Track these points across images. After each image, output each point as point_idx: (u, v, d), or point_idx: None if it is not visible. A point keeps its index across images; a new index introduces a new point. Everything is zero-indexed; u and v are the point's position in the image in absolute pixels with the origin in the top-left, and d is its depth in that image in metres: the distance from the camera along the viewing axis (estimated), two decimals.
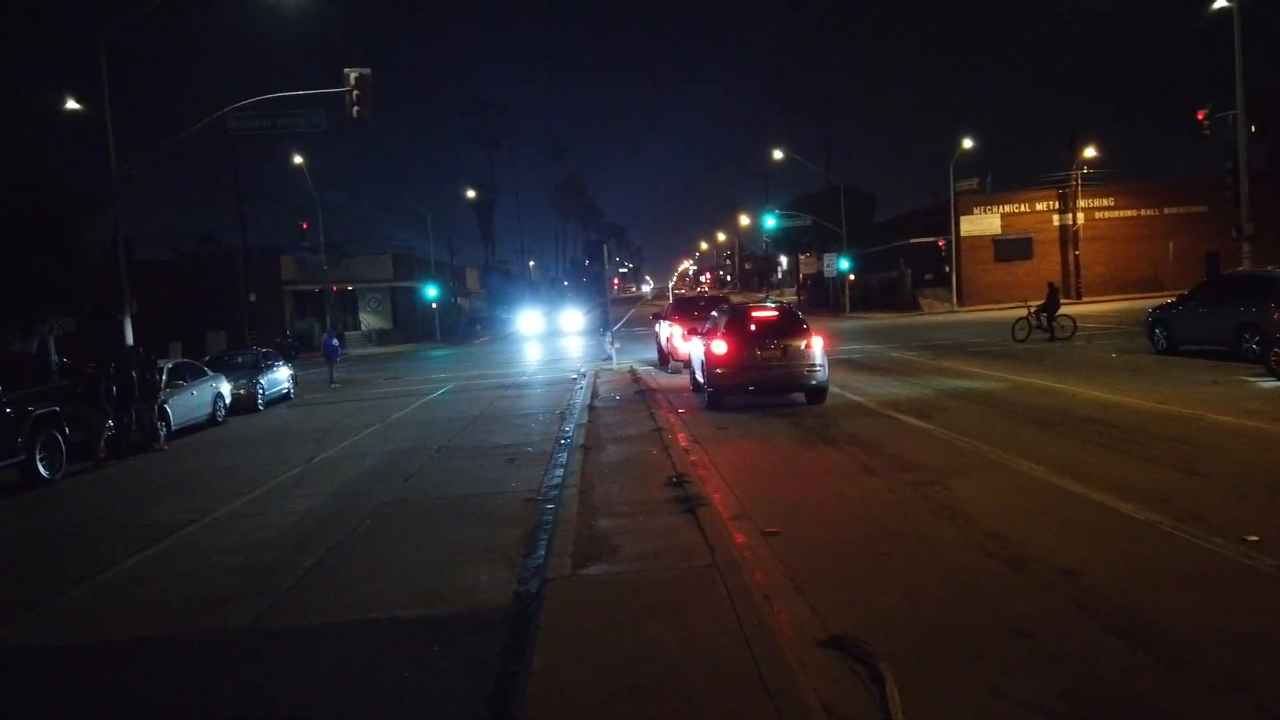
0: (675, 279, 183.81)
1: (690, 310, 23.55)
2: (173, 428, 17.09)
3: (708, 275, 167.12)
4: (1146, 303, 32.59)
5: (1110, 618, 5.13)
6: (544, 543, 7.66)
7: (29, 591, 7.40)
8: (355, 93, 21.12)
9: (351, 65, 21.40)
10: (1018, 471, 9.06)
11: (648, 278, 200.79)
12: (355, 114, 21.24)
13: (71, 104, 24.13)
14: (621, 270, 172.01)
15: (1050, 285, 26.41)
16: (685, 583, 5.86)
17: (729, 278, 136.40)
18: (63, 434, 13.80)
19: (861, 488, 8.89)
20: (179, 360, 20.45)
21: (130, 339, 20.61)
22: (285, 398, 23.58)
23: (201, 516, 9.88)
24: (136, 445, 15.67)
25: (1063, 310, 25.74)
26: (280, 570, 7.46)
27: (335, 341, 29.88)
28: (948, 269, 51.41)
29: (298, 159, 46.28)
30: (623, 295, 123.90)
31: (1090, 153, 50.17)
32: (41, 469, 13.13)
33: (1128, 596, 5.44)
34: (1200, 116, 30.25)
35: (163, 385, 16.92)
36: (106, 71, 20.21)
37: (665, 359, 23.97)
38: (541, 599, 5.84)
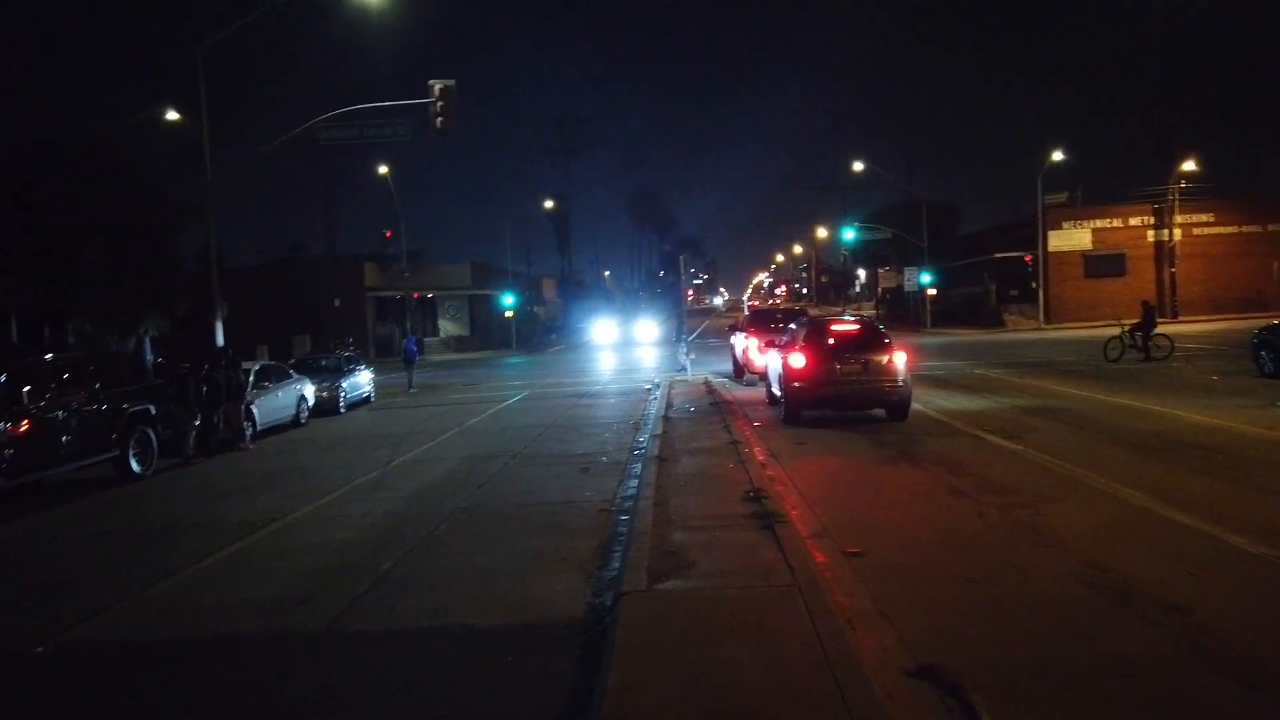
0: (749, 291, 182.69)
1: (767, 322, 23.25)
2: (258, 428, 17.53)
3: (782, 288, 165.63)
4: (1247, 324, 31.08)
5: (1229, 661, 4.76)
6: (618, 555, 7.55)
7: (119, 584, 7.59)
8: (440, 104, 21.43)
9: (433, 76, 21.75)
10: (1116, 498, 8.60)
11: (721, 290, 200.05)
12: (439, 125, 21.55)
13: (171, 114, 25.11)
14: (696, 282, 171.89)
15: (1145, 303, 25.34)
16: (765, 602, 5.67)
17: (804, 290, 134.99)
18: (155, 431, 14.26)
19: (948, 509, 8.55)
20: (265, 363, 21.01)
21: (221, 342, 21.26)
22: (366, 401, 24.03)
23: (283, 516, 10.05)
24: (223, 444, 16.11)
25: (1159, 329, 24.66)
26: (357, 573, 7.51)
27: (414, 347, 30.34)
28: (1034, 285, 49.87)
29: (383, 169, 47.41)
30: (695, 307, 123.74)
31: (1189, 166, 48.16)
32: (134, 464, 13.57)
33: (1247, 639, 5.05)
34: None
35: (249, 387, 17.39)
36: (204, 83, 20.96)
37: (741, 371, 23.72)
38: (616, 613, 5.71)
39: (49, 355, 13.88)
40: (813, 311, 34.86)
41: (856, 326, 15.69)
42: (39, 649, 6.14)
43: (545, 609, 6.33)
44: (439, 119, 21.17)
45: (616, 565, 7.23)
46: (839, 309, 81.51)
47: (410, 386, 28.15)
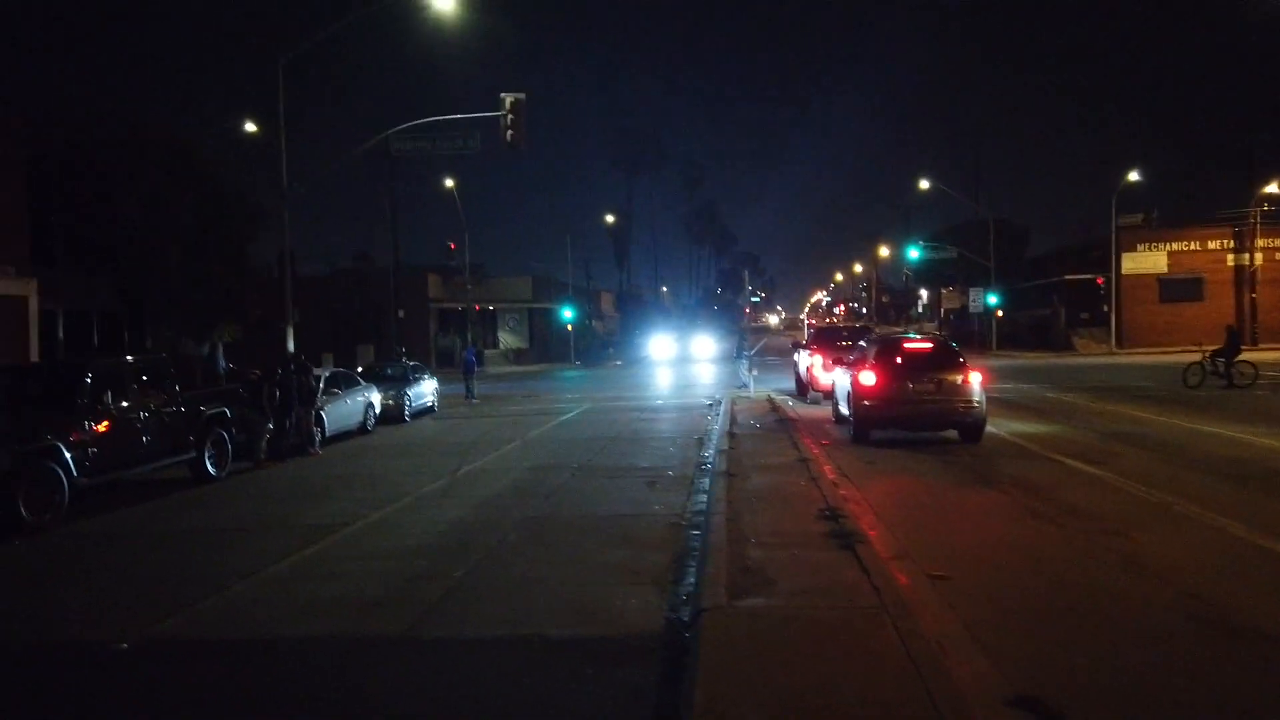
0: (807, 310, 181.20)
1: (832, 340, 22.96)
2: (327, 434, 17.80)
3: (841, 307, 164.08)
4: None
5: None
6: (692, 569, 7.43)
7: (199, 583, 7.68)
8: (510, 117, 21.69)
9: (499, 89, 22.08)
10: (1212, 527, 8.23)
11: (779, 308, 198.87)
12: (510, 138, 21.80)
13: (250, 126, 25.80)
14: (754, 299, 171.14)
15: (1230, 328, 24.44)
16: (851, 624, 5.50)
17: (863, 310, 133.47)
18: (229, 434, 14.54)
19: (1033, 534, 8.26)
20: (335, 370, 21.35)
21: (292, 348, 21.69)
22: (429, 410, 24.28)
23: (354, 521, 10.13)
24: (293, 449, 16.37)
25: (1242, 356, 23.75)
26: (431, 579, 7.50)
27: (473, 357, 30.48)
28: (1106, 308, 48.55)
29: (449, 181, 48.12)
30: (751, 324, 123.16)
31: (1271, 188, 46.50)
32: (210, 466, 13.85)
33: None
34: None
35: (319, 393, 17.67)
36: (284, 94, 21.47)
37: (804, 389, 23.43)
38: (698, 628, 5.59)
39: (130, 357, 14.26)
40: (877, 331, 34.32)
41: (930, 345, 15.37)
42: (124, 644, 6.22)
43: (622, 622, 6.23)
44: (509, 131, 21.41)
45: (691, 580, 7.12)
46: (900, 329, 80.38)
47: (470, 396, 28.34)
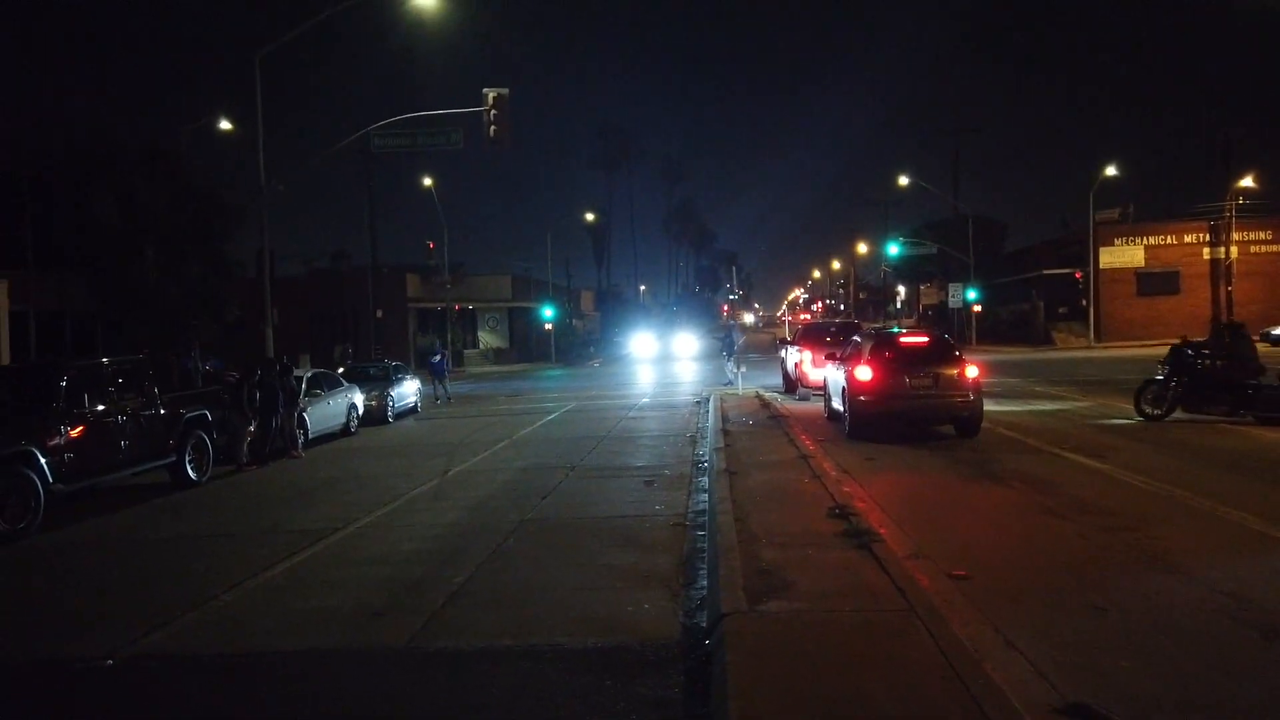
0: (784, 307, 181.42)
1: (821, 335, 22.76)
2: (310, 436, 17.39)
3: (819, 304, 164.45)
4: None
5: None
6: (703, 572, 7.18)
7: (186, 593, 7.33)
8: (493, 112, 21.34)
9: (480, 85, 21.75)
10: (1227, 520, 8.08)
11: (757, 305, 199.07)
12: (493, 134, 21.46)
13: (225, 124, 25.28)
14: (732, 297, 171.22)
15: (1216, 320, 24.51)
16: (881, 628, 5.26)
17: (841, 306, 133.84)
18: (210, 438, 14.11)
19: (1047, 531, 8.07)
20: (317, 370, 20.90)
21: (271, 348, 21.22)
22: (413, 411, 23.88)
23: (345, 525, 9.78)
24: (276, 451, 15.95)
25: None
26: (431, 586, 7.19)
27: (438, 359, 29.49)
28: (1084, 302, 48.80)
29: (427, 180, 47.59)
30: (730, 322, 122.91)
31: (1246, 182, 46.93)
32: (190, 471, 13.42)
33: None
34: None
35: (301, 394, 17.26)
36: (261, 90, 21.01)
37: (793, 385, 23.25)
38: (720, 635, 5.33)
39: (106, 359, 13.79)
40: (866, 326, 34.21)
41: (926, 339, 15.21)
42: (109, 661, 5.87)
43: (636, 629, 5.95)
44: (492, 127, 21.07)
45: (703, 583, 6.86)
46: (879, 325, 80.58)
47: (439, 398, 27.57)
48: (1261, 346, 20.29)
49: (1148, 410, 15.54)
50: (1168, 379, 15.49)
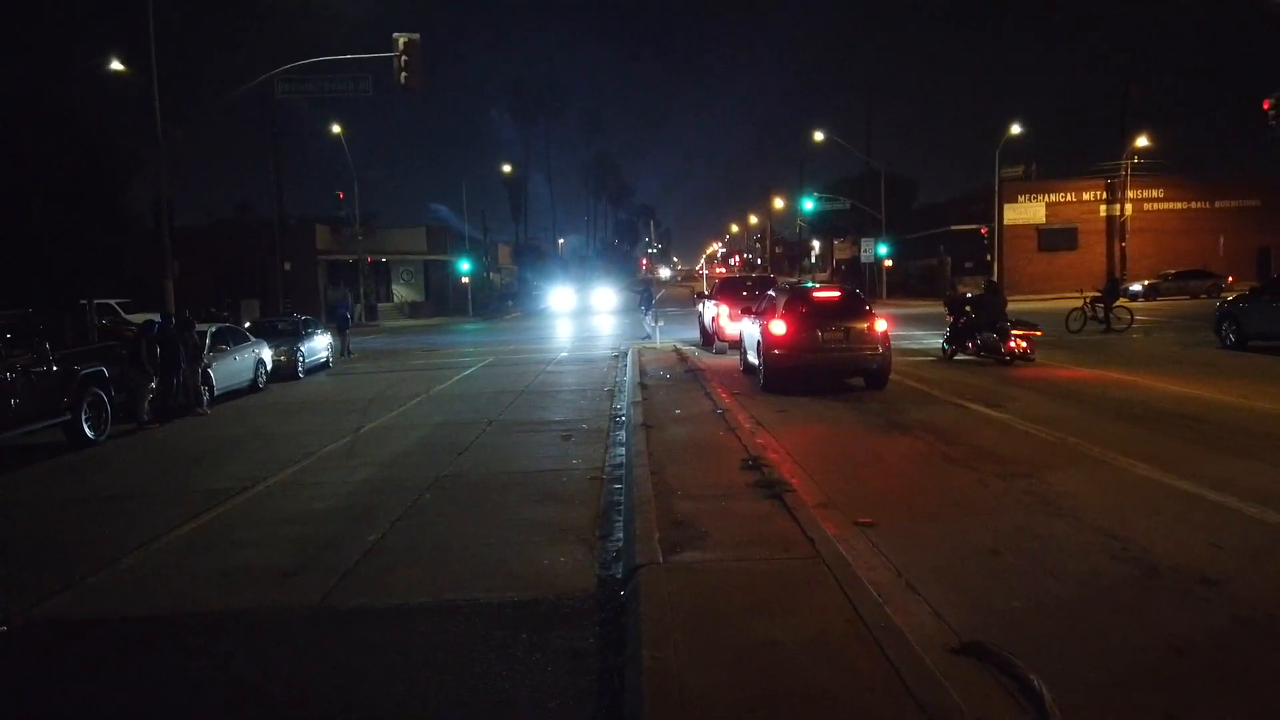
0: (702, 261, 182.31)
1: (738, 290, 23.01)
2: (215, 392, 16.86)
3: (736, 258, 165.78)
4: (1199, 303, 31.40)
5: None
6: (619, 524, 7.27)
7: (86, 557, 7.09)
8: (404, 58, 20.67)
9: (392, 30, 20.87)
10: (1116, 467, 8.53)
11: (675, 259, 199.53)
12: (404, 80, 20.81)
13: (117, 65, 23.88)
14: (650, 251, 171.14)
15: (1111, 275, 25.68)
16: (791, 576, 5.42)
17: (758, 261, 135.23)
18: (108, 395, 13.57)
19: (949, 479, 8.40)
20: (222, 325, 20.19)
21: (172, 302, 20.40)
22: (325, 366, 23.34)
23: (254, 484, 9.56)
24: (179, 409, 15.43)
25: (1120, 302, 24.99)
26: (344, 544, 7.11)
27: (346, 311, 28.82)
28: (989, 257, 50.39)
29: (336, 128, 46.03)
30: (648, 276, 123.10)
31: (1142, 142, 48.90)
32: (87, 430, 12.90)
33: None
34: (1266, 106, 29.16)
35: (206, 350, 16.69)
36: (154, 30, 19.88)
37: (710, 339, 23.50)
38: (635, 587, 5.42)
39: None
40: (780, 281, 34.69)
41: (838, 294, 15.50)
42: (3, 626, 5.66)
43: (552, 583, 6.01)
44: (404, 74, 20.44)
45: (619, 536, 6.95)
46: (794, 279, 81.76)
47: (344, 353, 26.99)
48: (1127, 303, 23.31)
49: (945, 349, 18.96)
50: (951, 325, 18.72)
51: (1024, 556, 6.03)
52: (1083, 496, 7.47)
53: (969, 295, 19.78)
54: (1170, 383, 14.03)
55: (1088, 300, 24.81)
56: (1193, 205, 50.50)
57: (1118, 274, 34.95)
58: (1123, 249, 49.35)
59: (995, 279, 32.69)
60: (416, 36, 20.84)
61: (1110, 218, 50.43)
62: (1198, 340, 21.06)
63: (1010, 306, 18.80)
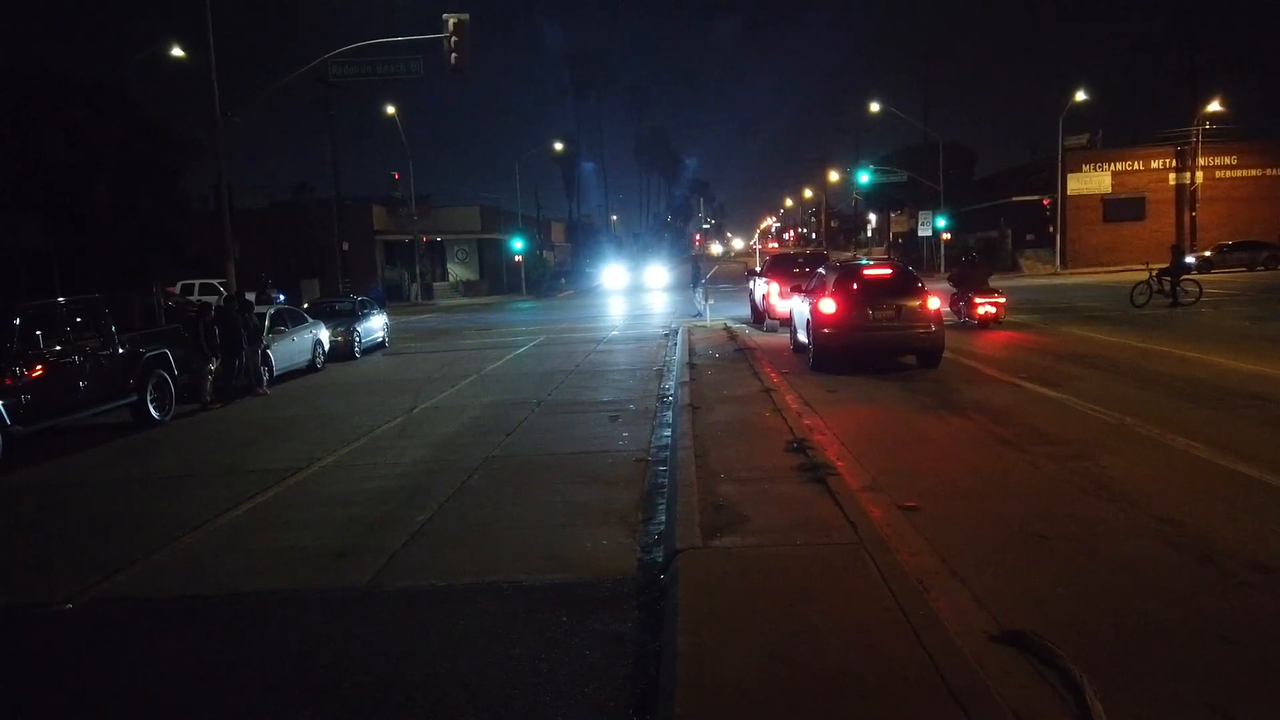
0: (756, 236, 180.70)
1: (789, 267, 22.79)
2: (275, 373, 17.28)
3: (790, 233, 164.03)
4: (1258, 275, 30.16)
5: None
6: (663, 507, 7.29)
7: (147, 536, 7.35)
8: (454, 39, 20.76)
9: (444, 10, 20.98)
10: (1174, 449, 8.30)
11: (729, 234, 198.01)
12: (454, 61, 20.91)
13: (177, 50, 24.42)
14: (704, 226, 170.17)
15: (1175, 247, 24.84)
16: (830, 562, 5.39)
17: (814, 235, 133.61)
18: (172, 376, 13.99)
19: (1000, 461, 8.26)
20: (281, 306, 20.65)
21: (233, 283, 20.92)
22: (380, 346, 23.73)
23: (308, 464, 9.80)
24: (240, 389, 15.85)
25: (1188, 275, 24.17)
26: (393, 525, 7.26)
27: (379, 296, 28.92)
28: (1051, 229, 49.14)
29: (390, 109, 46.53)
30: (702, 252, 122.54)
31: (1213, 107, 46.97)
32: (153, 410, 13.33)
33: None
34: None
35: (265, 331, 17.09)
36: (211, 16, 20.26)
37: (761, 317, 23.34)
38: (674, 571, 5.45)
39: (62, 298, 13.54)
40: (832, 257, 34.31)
41: (889, 270, 15.27)
42: (68, 605, 5.91)
43: (593, 565, 6.07)
44: (453, 54, 20.54)
45: (662, 519, 6.98)
46: (849, 254, 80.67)
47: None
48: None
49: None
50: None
51: (1073, 542, 5.92)
52: (1138, 480, 7.29)
53: (955, 268, 22.67)
54: (1238, 360, 13.56)
55: (1153, 273, 24.03)
56: (1267, 172, 48.50)
57: (1184, 245, 33.82)
58: (1193, 219, 47.65)
59: (975, 254, 36.92)
60: (465, 17, 20.91)
61: (1180, 186, 48.68)
62: (1269, 314, 20.31)
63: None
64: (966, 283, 20.68)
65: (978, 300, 19.78)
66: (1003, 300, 20.29)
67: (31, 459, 10.96)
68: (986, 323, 19.74)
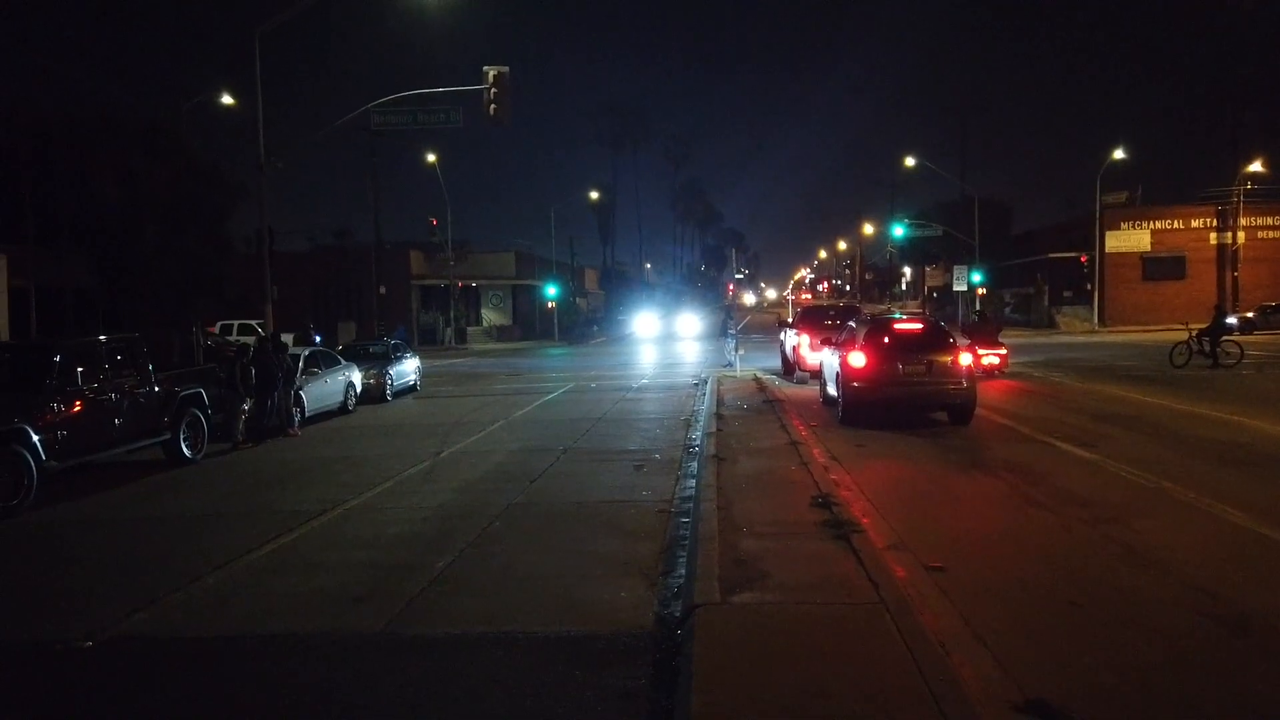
0: (790, 287, 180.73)
1: (820, 319, 22.73)
2: (306, 414, 17.45)
3: (825, 284, 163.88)
4: None
5: None
6: (683, 560, 7.22)
7: (171, 574, 7.39)
8: (494, 90, 21.23)
9: (483, 63, 21.51)
10: (1211, 514, 8.08)
11: (763, 285, 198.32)
12: (493, 112, 21.36)
13: (227, 98, 25.20)
14: (738, 276, 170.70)
15: (1218, 307, 24.42)
16: (851, 622, 5.29)
17: (848, 287, 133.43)
18: (205, 416, 14.18)
19: (1030, 522, 8.09)
20: (314, 348, 20.94)
21: (271, 325, 21.26)
22: (412, 389, 23.91)
23: (334, 507, 9.85)
24: (272, 430, 16.02)
25: (1229, 336, 23.75)
26: (412, 570, 7.25)
27: (403, 339, 29.01)
28: (1089, 286, 48.66)
29: (430, 157, 47.49)
30: (735, 302, 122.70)
31: (1255, 167, 46.55)
32: (185, 449, 13.50)
33: None
34: None
35: (299, 373, 17.31)
36: (260, 66, 20.92)
37: (791, 369, 23.25)
38: (690, 627, 5.37)
39: (102, 336, 13.82)
40: (865, 310, 34.22)
41: (920, 325, 15.17)
42: (88, 642, 5.94)
43: (610, 618, 6.00)
44: (492, 106, 20.98)
45: (682, 572, 6.90)
46: (884, 307, 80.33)
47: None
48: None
49: None
50: None
51: (1104, 609, 5.75)
52: (1173, 546, 7.10)
53: (967, 322, 23.86)
54: (1278, 424, 13.24)
55: (1193, 334, 23.63)
56: None
57: (1226, 306, 33.29)
58: (1235, 279, 46.95)
59: (983, 310, 39.93)
60: (506, 70, 21.40)
61: (1221, 246, 48.09)
62: None
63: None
64: (976, 336, 22.22)
65: (982, 352, 21.20)
66: (1005, 353, 22.46)
67: (63, 495, 11.11)
68: (991, 372, 21.42)
